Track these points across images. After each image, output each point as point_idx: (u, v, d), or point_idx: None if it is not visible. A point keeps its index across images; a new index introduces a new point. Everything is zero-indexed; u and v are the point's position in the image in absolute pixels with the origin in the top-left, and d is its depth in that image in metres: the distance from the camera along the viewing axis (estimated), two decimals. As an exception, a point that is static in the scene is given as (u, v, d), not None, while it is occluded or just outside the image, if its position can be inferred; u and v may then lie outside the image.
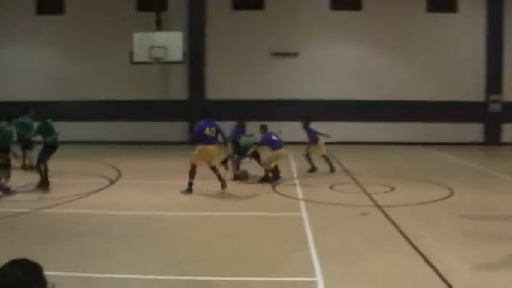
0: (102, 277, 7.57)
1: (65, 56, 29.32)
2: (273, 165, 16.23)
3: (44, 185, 14.52)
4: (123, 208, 12.47)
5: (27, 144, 17.93)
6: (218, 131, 14.60)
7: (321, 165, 18.18)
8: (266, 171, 16.08)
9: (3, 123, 14.33)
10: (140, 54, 25.02)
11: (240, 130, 17.47)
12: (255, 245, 9.38)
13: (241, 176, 16.29)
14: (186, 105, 28.14)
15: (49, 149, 14.84)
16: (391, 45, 28.51)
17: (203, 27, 28.62)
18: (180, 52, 25.06)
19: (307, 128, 18.53)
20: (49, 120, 15.09)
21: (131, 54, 25.36)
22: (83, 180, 16.43)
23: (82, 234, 9.98)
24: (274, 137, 16.38)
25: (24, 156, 18.03)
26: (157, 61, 25.10)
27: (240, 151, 16.64)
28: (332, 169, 18.04)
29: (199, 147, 14.29)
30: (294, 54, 28.55)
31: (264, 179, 15.92)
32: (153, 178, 15.34)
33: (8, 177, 13.73)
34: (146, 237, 9.86)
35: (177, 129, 27.18)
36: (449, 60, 28.35)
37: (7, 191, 13.71)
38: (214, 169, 14.41)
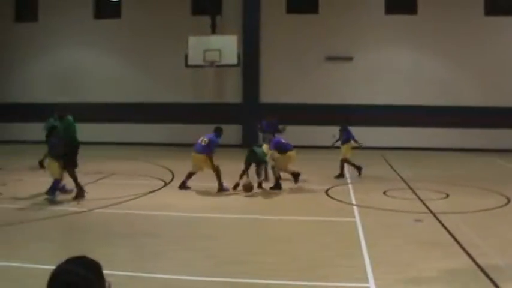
0: (154, 277, 7.67)
1: (121, 59, 29.85)
2: (289, 169, 15.98)
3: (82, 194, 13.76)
4: (176, 210, 12.60)
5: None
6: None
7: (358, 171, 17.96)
8: (276, 177, 15.57)
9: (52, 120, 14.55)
10: (195, 58, 25.23)
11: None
12: (308, 250, 9.34)
13: (246, 188, 14.91)
14: (240, 108, 28.27)
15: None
16: (447, 50, 28.03)
17: (258, 30, 28.72)
18: (234, 55, 25.18)
19: (345, 129, 18.25)
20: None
21: (186, 57, 25.60)
22: (138, 181, 16.67)
23: (136, 235, 10.12)
24: (283, 141, 16.05)
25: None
26: (212, 64, 25.27)
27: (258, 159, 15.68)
28: (359, 171, 18.03)
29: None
30: (349, 59, 28.36)
31: (276, 186, 15.43)
32: (207, 181, 15.41)
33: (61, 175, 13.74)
34: (200, 239, 9.93)
35: (231, 132, 27.28)
36: (509, 65, 27.73)
37: (63, 190, 13.97)
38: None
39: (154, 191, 15.09)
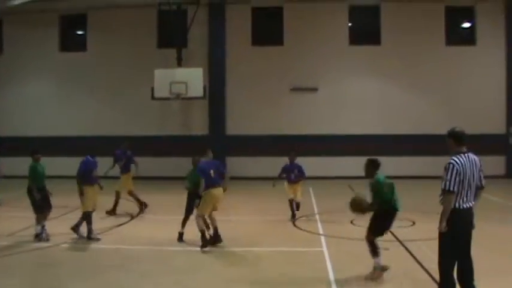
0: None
1: (87, 92, 29.79)
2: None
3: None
4: (142, 243, 12.55)
5: None
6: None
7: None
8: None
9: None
10: (161, 90, 25.23)
11: None
12: (276, 281, 9.38)
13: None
14: (206, 141, 28.30)
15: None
16: (410, 79, 28.61)
17: (223, 62, 28.96)
18: (200, 88, 25.24)
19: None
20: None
21: (152, 89, 25.64)
22: (104, 214, 16.53)
23: (106, 269, 10.07)
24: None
25: None
26: (178, 97, 25.30)
27: None
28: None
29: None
30: (314, 89, 28.71)
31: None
32: (171, 213, 15.33)
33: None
34: (169, 273, 9.89)
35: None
36: (470, 92, 28.41)
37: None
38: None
39: (121, 224, 15.02)
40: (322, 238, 13.05)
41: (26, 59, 30.08)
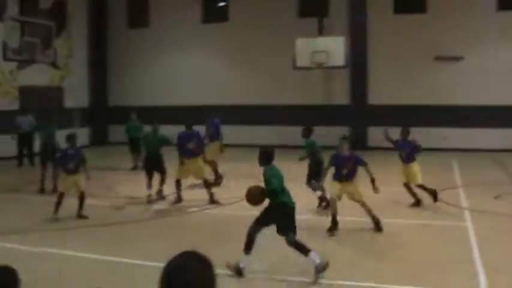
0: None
1: (229, 62, 30.44)
2: None
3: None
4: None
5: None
6: None
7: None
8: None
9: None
10: (302, 60, 25.33)
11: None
12: (420, 255, 9.28)
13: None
14: (348, 110, 28.15)
15: None
16: None
17: (365, 31, 28.47)
18: (342, 57, 25.08)
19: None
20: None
21: (293, 59, 25.77)
22: (243, 183, 16.89)
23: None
24: None
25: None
26: (320, 66, 25.29)
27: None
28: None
29: None
30: (459, 59, 27.62)
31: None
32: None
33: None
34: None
35: (336, 134, 27.10)
36: None
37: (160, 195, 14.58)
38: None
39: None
40: (466, 212, 12.67)
41: (171, 31, 31.20)
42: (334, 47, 24.98)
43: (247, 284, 8.10)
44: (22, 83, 25.80)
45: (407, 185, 13.53)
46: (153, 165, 14.56)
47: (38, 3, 26.83)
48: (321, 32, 26.71)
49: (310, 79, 27.99)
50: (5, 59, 22.81)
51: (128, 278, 8.25)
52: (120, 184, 17.03)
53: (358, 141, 23.73)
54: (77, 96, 30.17)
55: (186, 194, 14.31)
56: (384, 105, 27.31)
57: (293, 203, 8.39)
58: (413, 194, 13.46)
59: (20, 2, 20.84)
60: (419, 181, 13.44)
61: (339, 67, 25.64)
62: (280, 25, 28.80)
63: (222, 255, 7.78)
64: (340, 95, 28.51)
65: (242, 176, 17.28)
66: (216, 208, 13.42)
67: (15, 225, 11.58)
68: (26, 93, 25.80)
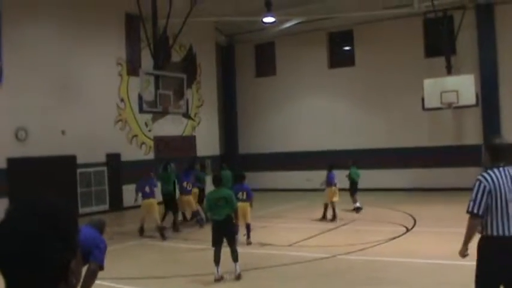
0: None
1: (357, 106, 30.36)
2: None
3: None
4: (419, 256, 12.39)
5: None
6: None
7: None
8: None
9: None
10: (431, 100, 24.85)
11: None
12: None
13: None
14: (480, 150, 27.03)
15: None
16: None
17: (495, 67, 27.50)
18: (472, 95, 24.38)
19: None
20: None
21: (422, 100, 25.33)
22: (379, 227, 16.71)
23: (380, 282, 10.18)
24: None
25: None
26: (449, 106, 24.68)
27: None
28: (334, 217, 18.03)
29: None
30: None
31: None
32: (449, 226, 14.95)
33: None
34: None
35: (469, 175, 26.07)
36: None
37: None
38: None
39: (396, 237, 15.05)
40: None
41: (298, 78, 31.68)
42: (463, 86, 24.37)
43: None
44: (156, 133, 27.11)
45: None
46: None
47: (170, 56, 28.18)
48: (449, 71, 26.15)
49: (440, 119, 27.39)
50: (141, 111, 23.93)
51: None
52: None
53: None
54: (208, 145, 31.13)
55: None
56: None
57: None
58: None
59: (153, 57, 21.87)
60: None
61: (469, 106, 24.88)
62: (408, 66, 28.52)
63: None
64: (472, 135, 27.54)
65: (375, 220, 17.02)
66: (349, 254, 13.28)
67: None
68: (160, 143, 27.07)
